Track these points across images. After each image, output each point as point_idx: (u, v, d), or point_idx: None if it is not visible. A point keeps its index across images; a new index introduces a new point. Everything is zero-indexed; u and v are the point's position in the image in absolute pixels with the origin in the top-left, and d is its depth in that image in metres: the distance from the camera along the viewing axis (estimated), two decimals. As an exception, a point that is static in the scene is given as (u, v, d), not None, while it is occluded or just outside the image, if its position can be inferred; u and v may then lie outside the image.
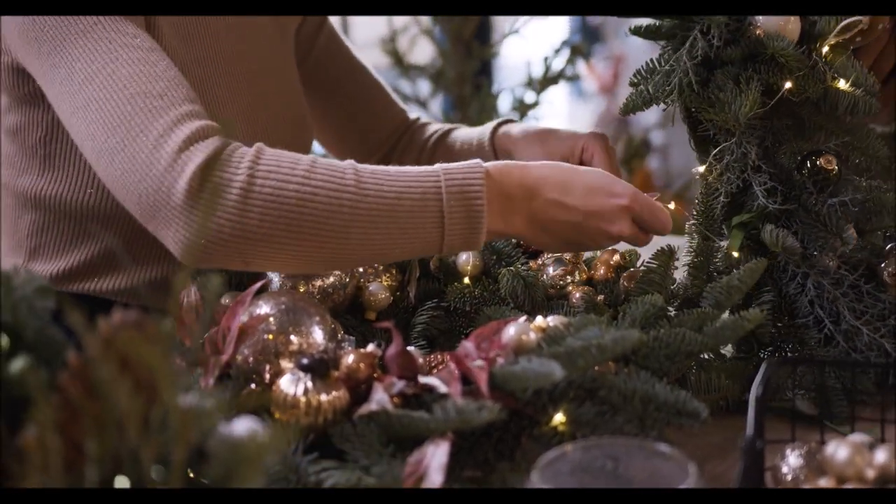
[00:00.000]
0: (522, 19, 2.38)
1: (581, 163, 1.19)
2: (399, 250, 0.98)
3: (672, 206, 1.15)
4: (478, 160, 1.00)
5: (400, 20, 2.36)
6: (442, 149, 1.37)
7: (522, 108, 2.18)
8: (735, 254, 1.06)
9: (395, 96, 1.46)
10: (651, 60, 1.07)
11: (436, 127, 1.42)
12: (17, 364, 0.59)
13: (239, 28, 1.24)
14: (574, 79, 2.20)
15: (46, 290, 0.68)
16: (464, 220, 0.97)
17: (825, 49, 1.04)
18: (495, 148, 1.29)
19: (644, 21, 1.08)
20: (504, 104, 2.25)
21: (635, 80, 1.07)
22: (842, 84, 1.04)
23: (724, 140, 1.06)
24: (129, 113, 0.97)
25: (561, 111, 4.59)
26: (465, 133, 1.35)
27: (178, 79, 1.01)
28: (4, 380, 0.60)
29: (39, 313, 0.67)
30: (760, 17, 1.03)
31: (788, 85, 1.03)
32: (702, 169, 1.07)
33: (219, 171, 0.94)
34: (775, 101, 1.04)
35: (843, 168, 1.06)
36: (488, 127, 1.30)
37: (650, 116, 3.66)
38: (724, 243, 1.08)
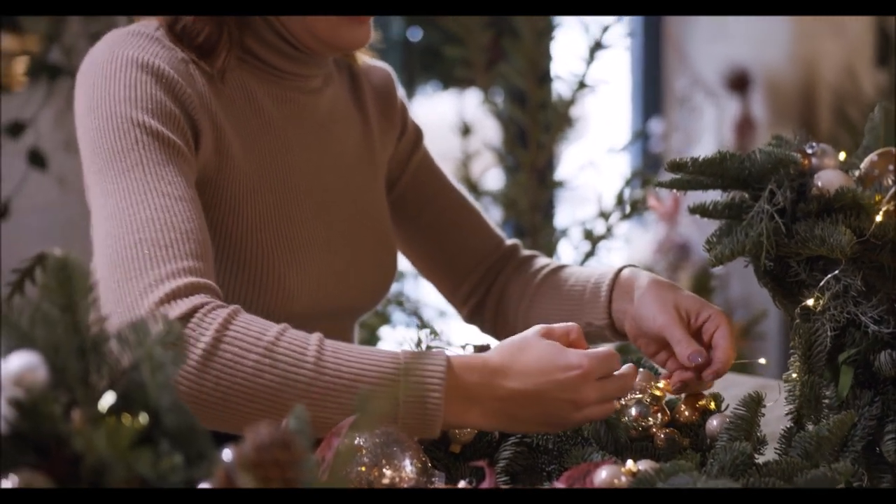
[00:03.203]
0: (591, 151, 2.42)
1: (700, 330, 1.18)
2: None
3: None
4: (443, 350, 1.03)
5: (473, 145, 2.41)
6: (549, 285, 1.35)
7: (593, 239, 2.21)
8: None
9: (490, 222, 1.45)
10: (723, 225, 1.12)
11: (544, 262, 1.40)
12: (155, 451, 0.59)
13: (319, 151, 1.28)
14: (645, 210, 2.23)
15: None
16: (418, 412, 0.99)
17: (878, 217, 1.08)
18: (614, 288, 1.26)
19: (704, 198, 1.13)
20: (574, 234, 2.28)
21: (711, 240, 1.11)
22: (916, 227, 1.07)
23: (818, 281, 1.08)
24: (131, 256, 1.03)
25: (619, 234, 4.60)
26: (577, 273, 1.33)
27: (192, 232, 1.07)
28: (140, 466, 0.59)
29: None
30: (819, 181, 1.09)
31: (879, 218, 1.06)
32: (810, 302, 1.08)
33: (188, 330, 0.99)
34: (869, 234, 1.06)
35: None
36: (611, 268, 1.28)
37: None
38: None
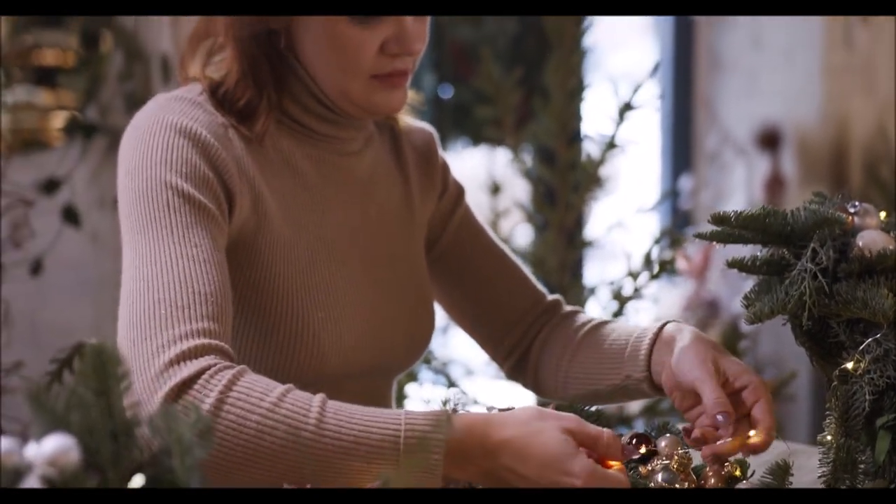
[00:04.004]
0: (620, 209, 2.42)
1: (738, 394, 1.15)
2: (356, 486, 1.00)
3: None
4: (445, 410, 1.03)
5: (503, 204, 2.41)
6: (591, 341, 1.34)
7: (621, 299, 2.20)
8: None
9: (531, 278, 1.45)
10: (761, 282, 1.10)
11: (587, 317, 1.40)
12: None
13: (358, 212, 1.29)
14: (674, 271, 2.23)
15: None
16: (418, 471, 0.99)
17: None
18: (656, 342, 1.24)
19: (741, 252, 1.13)
20: (602, 294, 2.28)
21: (750, 297, 1.10)
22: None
23: (858, 343, 1.07)
24: (149, 316, 1.05)
25: (648, 293, 4.59)
26: (621, 328, 1.32)
27: (212, 295, 1.08)
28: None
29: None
30: (861, 241, 1.08)
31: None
32: (850, 365, 1.07)
33: (194, 391, 1.00)
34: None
35: None
36: (656, 323, 1.27)
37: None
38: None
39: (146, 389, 1.01)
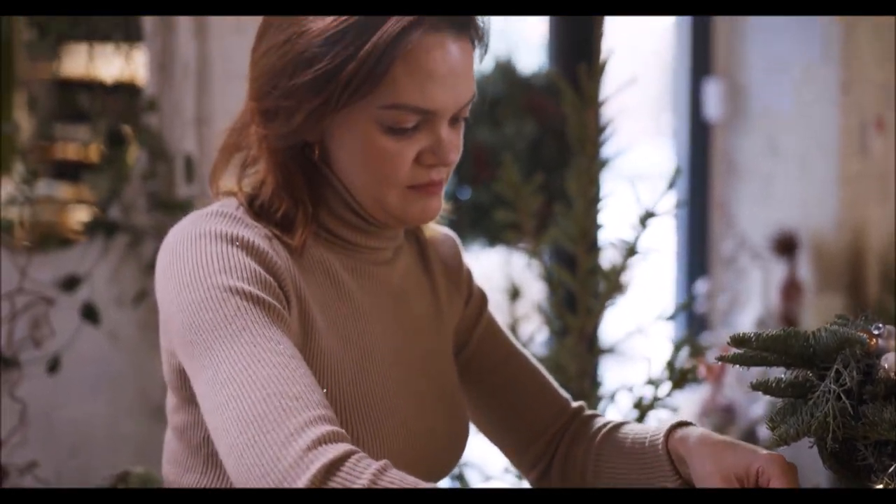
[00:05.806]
0: (636, 314, 2.41)
1: (757, 484, 1.16)
2: None
3: None
4: None
5: (522, 309, 2.40)
6: (612, 443, 1.34)
7: (642, 408, 2.18)
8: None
9: (555, 386, 1.44)
10: (785, 403, 1.10)
11: (604, 420, 1.40)
12: None
13: (395, 322, 1.29)
14: (695, 380, 2.21)
15: None
16: None
17: None
18: (669, 450, 1.25)
19: (765, 374, 1.12)
20: (621, 400, 2.26)
21: (775, 419, 1.09)
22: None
23: (886, 466, 1.06)
24: (263, 411, 1.03)
25: (667, 401, 4.54)
26: (636, 430, 1.32)
27: (314, 385, 1.07)
28: None
29: None
30: (886, 363, 1.07)
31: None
32: (879, 487, 1.06)
33: (344, 471, 0.99)
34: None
35: None
36: (664, 427, 1.27)
37: (758, 409, 3.62)
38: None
39: (284, 478, 0.99)
